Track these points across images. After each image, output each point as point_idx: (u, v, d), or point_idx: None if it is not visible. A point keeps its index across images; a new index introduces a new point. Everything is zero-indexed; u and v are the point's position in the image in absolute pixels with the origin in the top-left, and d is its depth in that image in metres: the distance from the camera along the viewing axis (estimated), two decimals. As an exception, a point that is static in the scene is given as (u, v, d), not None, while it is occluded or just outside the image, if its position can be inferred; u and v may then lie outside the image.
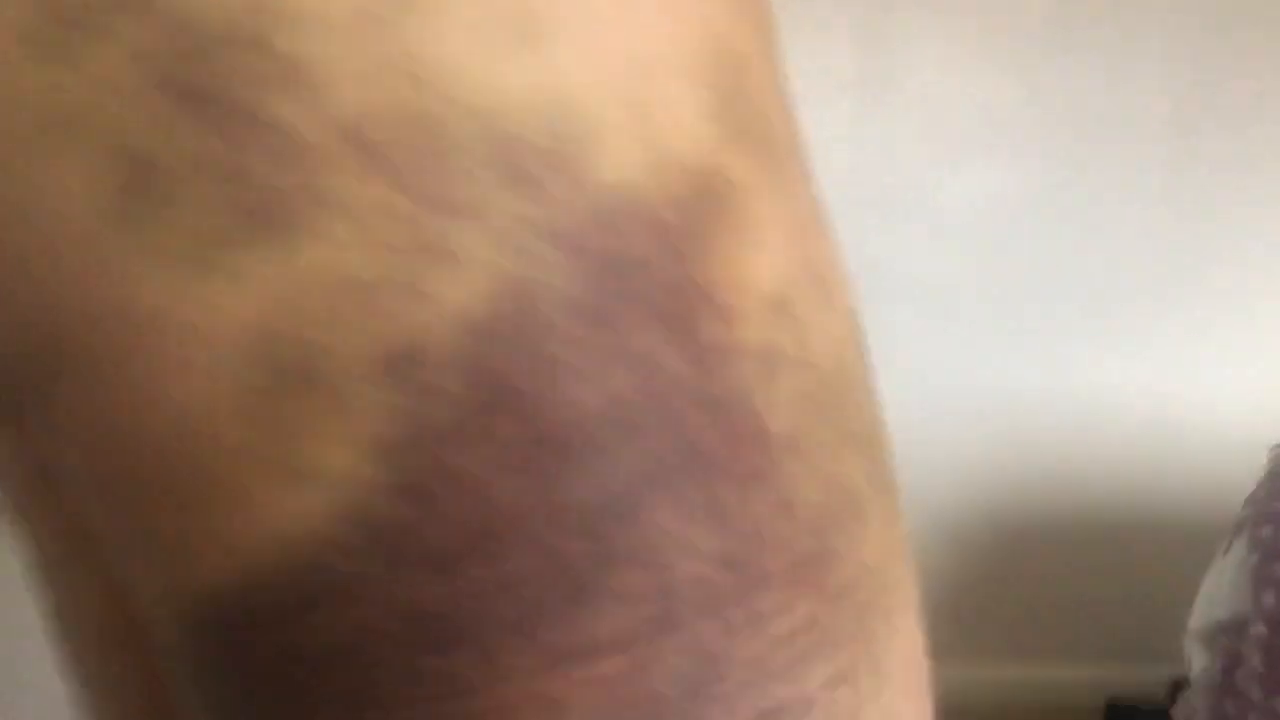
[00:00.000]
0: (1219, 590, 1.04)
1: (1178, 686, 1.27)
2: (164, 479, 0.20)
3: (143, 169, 0.18)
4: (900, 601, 0.23)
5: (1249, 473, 1.33)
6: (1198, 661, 1.09)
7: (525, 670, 0.19)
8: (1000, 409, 2.01)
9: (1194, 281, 1.83)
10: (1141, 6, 1.71)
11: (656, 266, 0.19)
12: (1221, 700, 1.07)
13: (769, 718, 0.20)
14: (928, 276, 1.88)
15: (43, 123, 0.18)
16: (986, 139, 1.81)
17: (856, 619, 0.21)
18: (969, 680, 2.11)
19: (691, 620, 0.20)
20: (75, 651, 0.33)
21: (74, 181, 0.18)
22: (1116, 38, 1.72)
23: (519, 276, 0.19)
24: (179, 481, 0.20)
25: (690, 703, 0.20)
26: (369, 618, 0.19)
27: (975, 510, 2.08)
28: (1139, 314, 1.87)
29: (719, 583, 0.20)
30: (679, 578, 0.20)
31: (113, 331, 0.19)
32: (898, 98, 1.79)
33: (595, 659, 0.19)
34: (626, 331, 0.19)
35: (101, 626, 0.31)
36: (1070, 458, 2.00)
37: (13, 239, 0.19)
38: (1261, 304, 1.83)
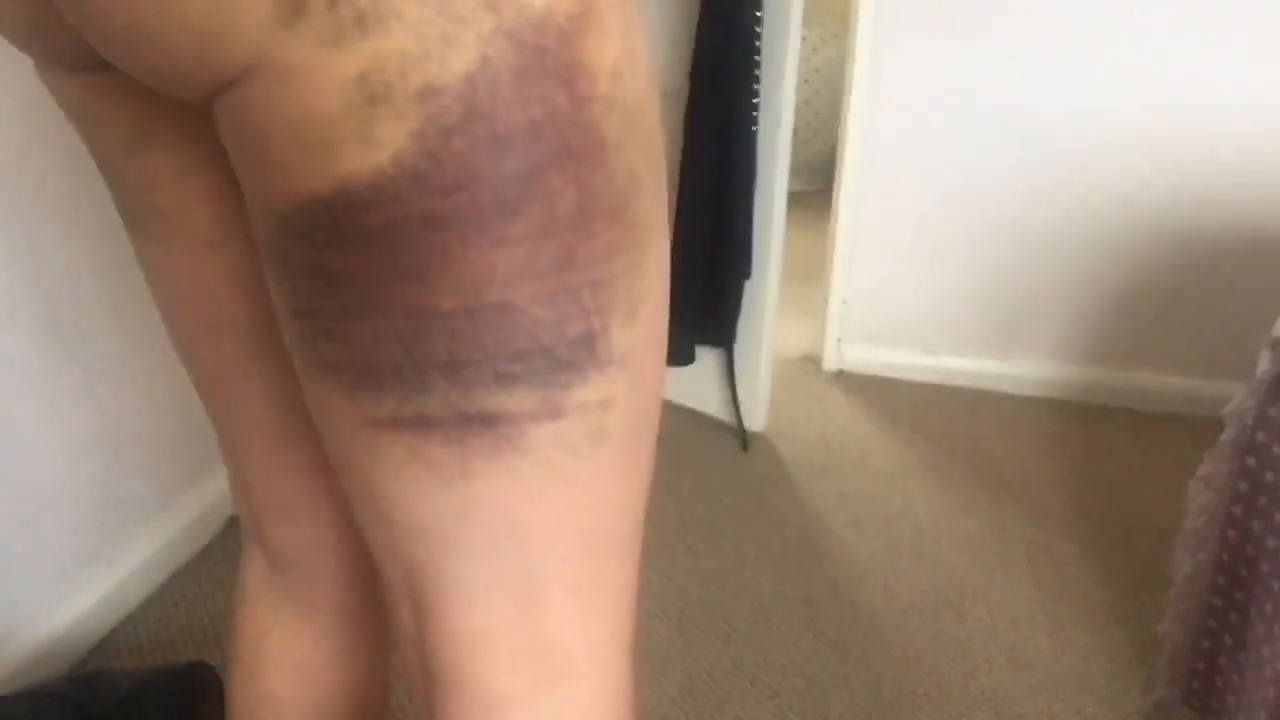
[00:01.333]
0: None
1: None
2: (304, 136, 0.38)
3: (299, 4, 0.35)
4: (659, 232, 0.44)
5: None
6: (1261, 364, 1.12)
7: (483, 244, 0.38)
8: (1195, 105, 2.06)
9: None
10: None
11: (557, 50, 0.38)
12: (1267, 404, 1.12)
13: (595, 285, 0.41)
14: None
15: None
16: None
17: (638, 240, 0.42)
18: (1136, 385, 2.29)
19: (562, 232, 0.39)
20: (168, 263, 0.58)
21: (260, 8, 0.35)
22: None
23: (489, 54, 0.37)
24: (313, 138, 0.37)
25: (555, 273, 0.40)
26: (402, 213, 0.38)
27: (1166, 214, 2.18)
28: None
29: (575, 215, 0.39)
30: (558, 212, 0.39)
31: (284, 65, 0.37)
32: None
33: (516, 244, 0.39)
34: (540, 85, 0.38)
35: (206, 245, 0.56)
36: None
37: (231, 34, 0.36)
38: None
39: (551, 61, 0.38)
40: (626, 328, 0.43)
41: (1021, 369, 2.35)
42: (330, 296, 0.40)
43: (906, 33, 2.14)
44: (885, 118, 2.22)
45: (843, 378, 2.48)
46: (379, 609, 0.72)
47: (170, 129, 0.51)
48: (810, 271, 2.89)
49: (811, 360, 2.57)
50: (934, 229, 2.29)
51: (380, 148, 0.37)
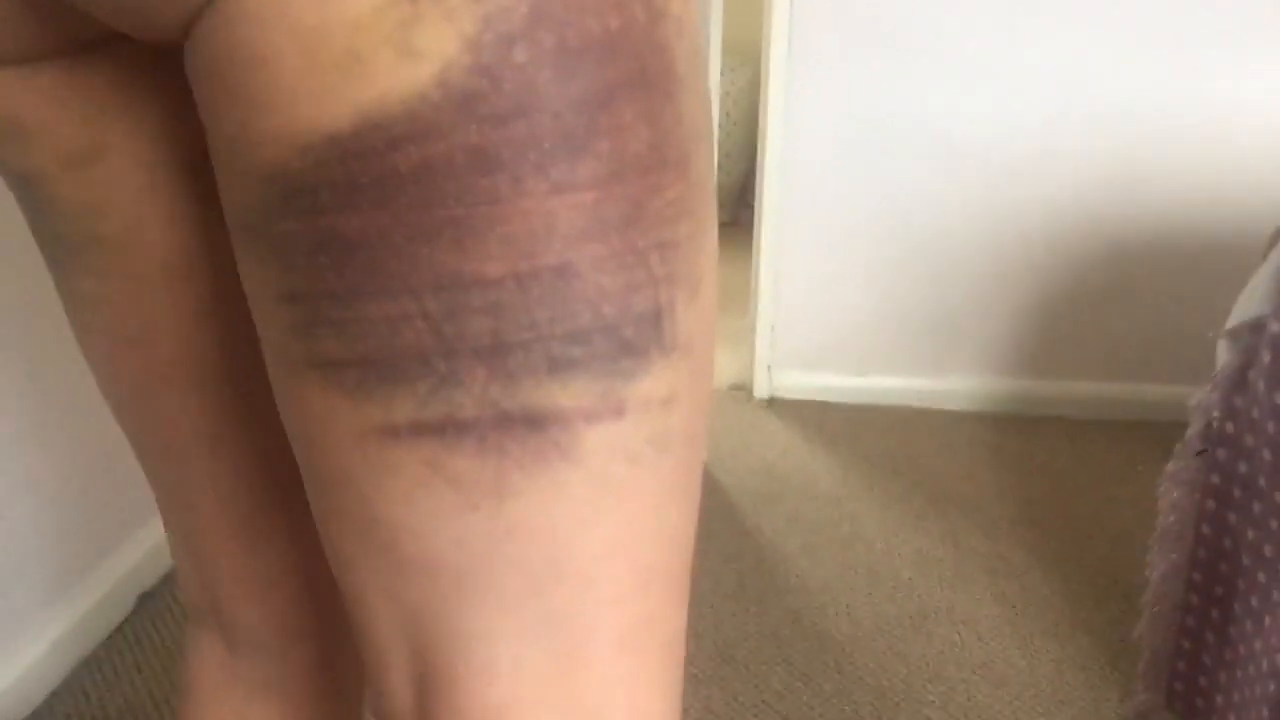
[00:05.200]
0: (1252, 293, 1.07)
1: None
2: (320, 51, 0.29)
3: None
4: (714, 204, 0.37)
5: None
6: (1221, 358, 1.12)
7: (541, 189, 0.30)
8: (1132, 118, 2.08)
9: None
10: None
11: None
12: (1232, 395, 1.11)
13: (663, 249, 0.33)
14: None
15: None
16: None
17: (701, 203, 0.35)
18: (1068, 393, 2.27)
19: (632, 178, 0.32)
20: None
21: None
22: None
23: None
24: (333, 52, 0.29)
25: (622, 230, 0.32)
26: (443, 151, 0.30)
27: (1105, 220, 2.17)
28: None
29: (646, 158, 0.32)
30: (629, 152, 0.32)
31: None
32: None
33: (581, 191, 0.31)
34: None
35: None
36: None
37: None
38: None
39: None
40: (690, 307, 0.35)
41: (953, 384, 2.35)
42: (336, 271, 0.32)
43: (820, 58, 2.14)
44: (803, 142, 2.22)
45: (775, 404, 2.44)
46: (362, 682, 0.63)
47: (130, 132, 0.42)
48: (729, 300, 2.86)
49: (742, 389, 2.53)
50: (858, 250, 2.29)
51: (422, 60, 0.29)
